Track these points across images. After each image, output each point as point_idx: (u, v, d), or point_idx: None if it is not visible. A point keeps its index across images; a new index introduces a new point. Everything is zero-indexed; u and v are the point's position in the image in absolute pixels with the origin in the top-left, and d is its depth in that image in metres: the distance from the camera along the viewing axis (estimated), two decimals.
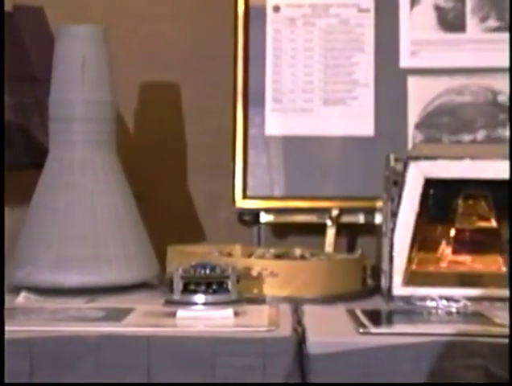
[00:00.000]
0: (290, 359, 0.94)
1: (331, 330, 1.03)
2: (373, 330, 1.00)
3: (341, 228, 1.54)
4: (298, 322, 1.06)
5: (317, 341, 0.96)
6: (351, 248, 1.56)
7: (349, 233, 1.59)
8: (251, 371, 0.94)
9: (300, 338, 0.98)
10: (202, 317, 1.05)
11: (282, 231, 1.60)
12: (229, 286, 1.07)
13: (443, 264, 1.27)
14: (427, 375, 0.93)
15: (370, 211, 1.48)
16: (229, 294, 1.07)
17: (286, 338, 0.96)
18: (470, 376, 0.92)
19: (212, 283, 1.07)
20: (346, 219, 1.52)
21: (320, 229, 1.51)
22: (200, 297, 1.06)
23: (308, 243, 1.50)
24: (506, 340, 0.95)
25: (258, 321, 1.04)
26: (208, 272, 1.08)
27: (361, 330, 0.99)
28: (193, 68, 1.61)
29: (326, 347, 0.95)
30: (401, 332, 1.00)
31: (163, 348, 0.94)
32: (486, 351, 0.93)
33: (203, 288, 1.07)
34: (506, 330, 1.01)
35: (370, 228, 1.51)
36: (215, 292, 1.07)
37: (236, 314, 1.07)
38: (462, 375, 0.93)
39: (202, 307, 1.06)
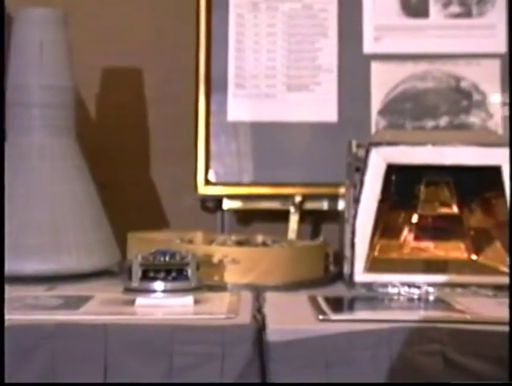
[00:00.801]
0: (249, 346, 0.93)
1: (291, 318, 1.02)
2: (333, 317, 0.99)
3: (306, 215, 1.53)
4: (258, 309, 1.05)
5: (277, 328, 0.95)
6: (315, 235, 1.55)
7: (314, 220, 1.58)
8: (210, 358, 0.93)
9: (260, 326, 0.97)
10: (161, 304, 1.04)
11: (246, 217, 1.59)
12: (189, 273, 1.06)
13: (406, 251, 1.27)
14: (386, 362, 0.93)
15: (334, 198, 1.47)
16: (188, 282, 1.06)
17: (246, 325, 0.95)
18: (428, 362, 0.92)
19: (172, 270, 1.06)
20: (310, 205, 1.51)
21: (285, 216, 1.50)
22: (159, 285, 1.05)
23: (272, 229, 1.49)
24: (465, 326, 0.95)
25: (217, 308, 1.03)
26: (167, 259, 1.06)
27: (321, 317, 0.99)
28: (155, 54, 1.59)
29: (285, 335, 0.94)
30: (360, 319, 1.00)
31: (120, 336, 0.93)
32: (445, 336, 0.93)
33: (162, 275, 1.06)
34: (466, 316, 1.01)
35: (334, 215, 1.50)
36: (174, 279, 1.06)
37: (196, 301, 1.06)
38: (421, 361, 0.92)
39: (161, 295, 1.05)
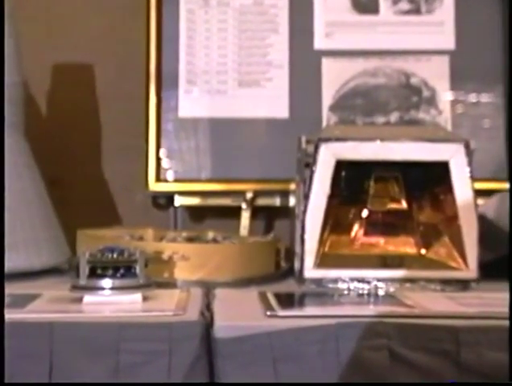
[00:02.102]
0: (196, 343, 0.93)
1: (239, 314, 1.02)
2: (281, 313, 0.99)
3: (258, 211, 1.54)
4: (207, 306, 1.05)
5: (224, 325, 0.95)
6: (268, 231, 1.56)
7: (266, 216, 1.58)
8: (157, 356, 0.92)
9: (208, 323, 0.97)
10: (109, 302, 1.03)
11: (200, 214, 1.59)
12: (137, 270, 1.05)
13: (356, 246, 1.27)
14: (333, 357, 0.93)
15: (286, 194, 1.47)
16: (136, 279, 1.05)
17: (193, 322, 0.95)
18: (375, 357, 0.93)
19: (120, 267, 1.05)
20: (262, 201, 1.51)
21: (238, 212, 1.50)
22: (106, 282, 1.04)
23: (226, 226, 1.49)
24: (411, 320, 0.95)
25: (166, 305, 1.03)
26: (115, 256, 1.05)
27: (269, 313, 0.98)
28: (107, 50, 1.58)
29: (233, 331, 0.94)
30: (308, 315, 1.00)
31: (66, 335, 0.92)
32: (391, 331, 0.93)
33: (110, 272, 1.05)
34: (413, 311, 1.02)
35: (287, 211, 1.50)
36: (123, 276, 1.05)
37: (144, 298, 1.05)
38: (367, 355, 0.93)
39: (109, 292, 1.04)
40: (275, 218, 1.58)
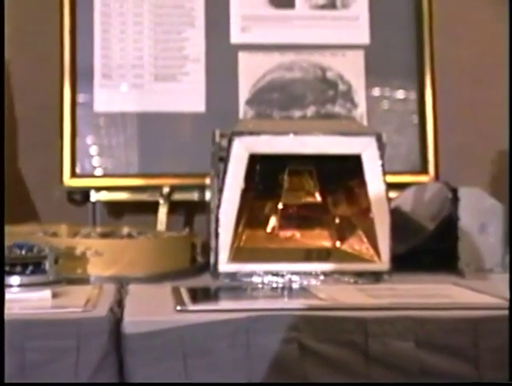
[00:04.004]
0: (105, 339, 0.92)
1: (150, 309, 1.01)
2: (191, 307, 0.99)
3: (178, 206, 1.53)
4: (119, 301, 1.04)
5: (133, 320, 0.94)
6: (187, 226, 1.55)
7: (185, 211, 1.58)
8: (65, 352, 0.91)
9: (119, 318, 0.96)
10: (18, 299, 1.01)
11: (118, 210, 1.57)
12: (47, 267, 1.03)
13: (271, 240, 1.27)
14: (243, 350, 0.93)
15: (204, 189, 1.47)
16: (46, 275, 1.03)
17: (101, 318, 0.93)
18: (285, 349, 0.93)
19: (29, 264, 1.03)
20: (180, 196, 1.50)
21: (157, 207, 1.49)
22: (15, 279, 1.02)
23: (145, 221, 1.48)
24: (321, 313, 0.96)
25: (75, 302, 1.01)
26: (23, 252, 1.04)
27: (179, 308, 0.98)
28: (21, 44, 1.55)
29: (142, 326, 0.93)
30: (218, 309, 1.00)
31: None
32: (301, 324, 0.94)
33: (19, 269, 1.03)
34: (325, 303, 1.03)
35: (205, 206, 1.50)
36: (32, 273, 1.03)
37: (54, 295, 1.03)
38: (277, 348, 0.93)
39: (17, 289, 1.02)
40: (194, 213, 1.58)
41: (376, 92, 1.50)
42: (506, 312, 0.96)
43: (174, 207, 1.52)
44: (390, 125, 1.49)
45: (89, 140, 1.46)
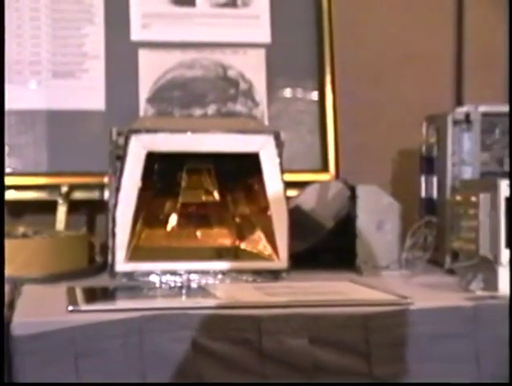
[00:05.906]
0: None
1: (41, 310, 0.99)
2: (83, 307, 0.97)
3: (79, 205, 1.50)
4: (11, 303, 1.01)
5: (22, 322, 0.92)
6: (89, 226, 1.52)
7: (86, 210, 1.55)
8: None
9: (9, 321, 0.93)
10: None
11: (18, 209, 1.54)
12: None
13: (171, 239, 1.26)
14: (136, 350, 0.92)
15: (104, 188, 1.44)
16: None
17: None
18: (178, 348, 0.92)
19: None
20: (81, 195, 1.48)
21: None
22: None
23: (45, 221, 1.45)
24: (216, 311, 0.96)
25: None
26: None
27: (71, 308, 0.96)
28: None
29: (32, 328, 0.91)
30: (111, 308, 0.98)
31: None
32: (195, 323, 0.93)
33: None
34: (220, 302, 1.02)
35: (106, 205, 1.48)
36: None
37: None
38: (171, 347, 0.92)
39: None
40: (96, 212, 1.55)
41: (277, 90, 1.50)
42: (397, 308, 0.97)
43: (75, 207, 1.49)
44: (290, 123, 1.49)
45: None
